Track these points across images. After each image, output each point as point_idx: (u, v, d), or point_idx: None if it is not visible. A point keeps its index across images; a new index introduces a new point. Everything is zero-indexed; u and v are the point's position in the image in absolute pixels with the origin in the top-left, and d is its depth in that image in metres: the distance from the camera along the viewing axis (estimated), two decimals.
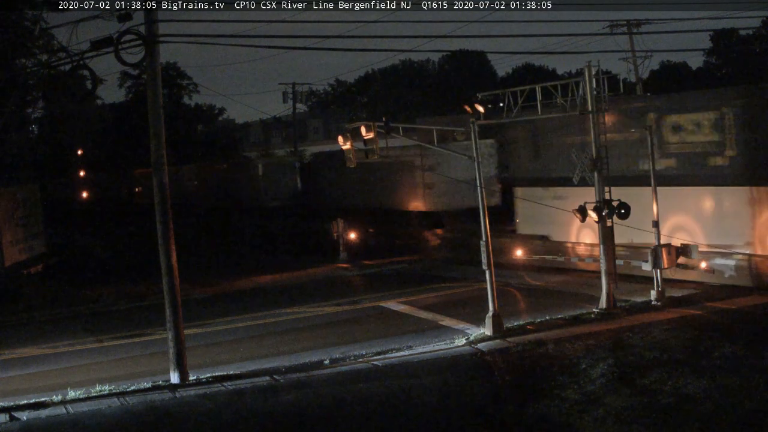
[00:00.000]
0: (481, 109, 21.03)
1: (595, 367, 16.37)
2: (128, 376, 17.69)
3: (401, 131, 22.60)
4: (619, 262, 22.96)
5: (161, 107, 17.40)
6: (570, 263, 27.58)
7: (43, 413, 15.45)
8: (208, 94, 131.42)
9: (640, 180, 23.62)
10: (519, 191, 30.99)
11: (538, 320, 20.63)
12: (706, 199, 24.16)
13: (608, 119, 22.32)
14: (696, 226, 24.36)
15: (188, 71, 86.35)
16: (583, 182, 21.77)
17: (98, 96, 64.86)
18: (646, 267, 22.16)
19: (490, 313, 19.53)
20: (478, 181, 20.16)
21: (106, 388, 16.58)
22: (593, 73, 21.44)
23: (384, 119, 21.10)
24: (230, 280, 31.06)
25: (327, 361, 18.10)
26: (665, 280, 22.10)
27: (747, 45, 64.64)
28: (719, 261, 23.16)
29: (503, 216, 32.23)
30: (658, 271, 21.69)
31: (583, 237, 27.13)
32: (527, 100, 23.01)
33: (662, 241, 22.05)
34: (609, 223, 21.31)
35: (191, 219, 49.65)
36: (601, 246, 21.37)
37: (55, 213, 49.58)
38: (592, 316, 20.75)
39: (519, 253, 29.75)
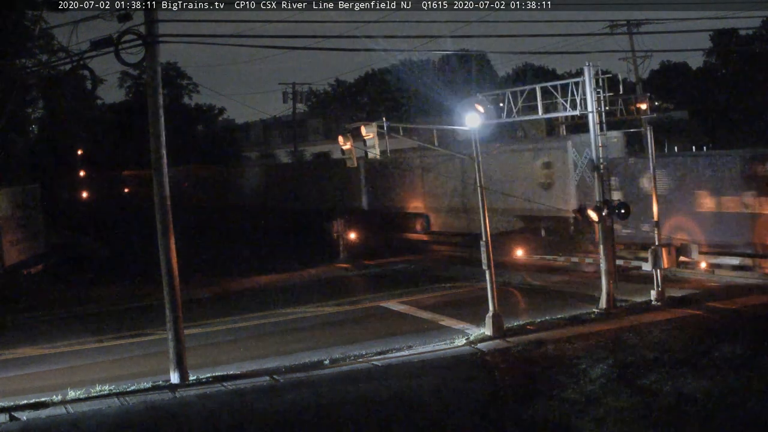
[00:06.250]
0: (481, 109, 21.02)
1: (595, 367, 16.37)
2: (128, 376, 17.68)
3: (401, 131, 22.61)
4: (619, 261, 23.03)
5: (161, 107, 17.40)
6: None
7: (43, 413, 15.44)
8: (208, 94, 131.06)
9: None
10: None
11: (538, 320, 20.63)
12: None
13: None
14: None
15: (188, 71, 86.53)
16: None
17: (98, 96, 64.86)
18: (647, 267, 22.20)
19: (490, 313, 19.53)
20: (478, 181, 20.15)
21: (106, 388, 16.57)
22: (593, 73, 21.46)
23: (384, 119, 21.09)
24: (230, 280, 31.05)
25: (327, 361, 18.10)
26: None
27: (747, 45, 64.53)
28: None
29: None
30: (658, 270, 21.69)
31: None
32: (527, 100, 23.04)
33: None
34: (609, 223, 21.34)
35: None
36: (601, 246, 21.38)
37: (55, 213, 49.55)
38: (592, 316, 20.76)
39: (519, 252, 29.79)
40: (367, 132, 20.72)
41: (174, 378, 17.13)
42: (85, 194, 73.95)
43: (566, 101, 22.21)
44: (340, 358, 18.28)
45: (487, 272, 19.70)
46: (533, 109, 23.78)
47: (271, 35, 38.66)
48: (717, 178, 25.87)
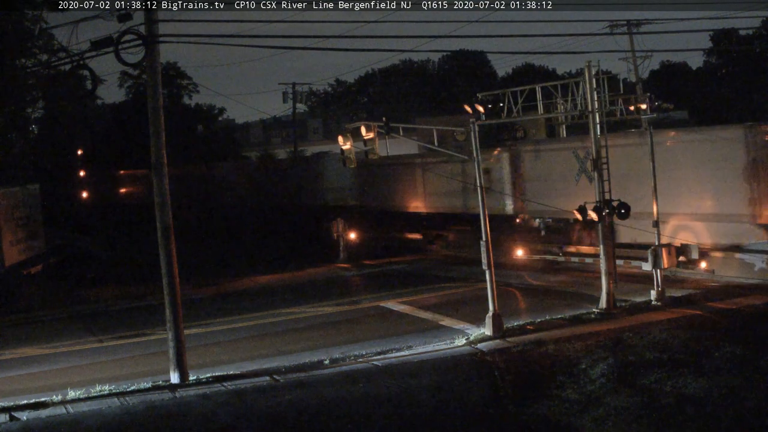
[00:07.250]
0: (481, 109, 21.04)
1: (595, 367, 16.38)
2: (128, 376, 17.69)
3: (401, 131, 22.61)
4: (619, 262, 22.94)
5: (161, 107, 17.40)
6: None
7: (43, 413, 15.45)
8: (208, 94, 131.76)
9: None
10: None
11: (538, 320, 20.63)
12: None
13: None
14: None
15: (188, 71, 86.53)
16: None
17: (98, 96, 64.80)
18: (647, 267, 22.19)
19: (490, 313, 19.53)
20: (478, 181, 20.15)
21: (106, 388, 16.58)
22: (593, 73, 21.46)
23: (384, 119, 21.09)
24: (230, 280, 31.06)
25: (327, 361, 18.10)
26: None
27: (747, 45, 64.57)
28: None
29: None
30: (658, 270, 21.69)
31: None
32: (527, 100, 23.05)
33: None
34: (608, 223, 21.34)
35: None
36: (601, 246, 21.38)
37: (55, 213, 49.53)
38: (592, 316, 20.75)
39: (519, 252, 29.78)
40: (367, 132, 20.73)
41: (174, 378, 17.13)
42: (85, 194, 73.90)
43: (566, 101, 22.22)
44: (340, 358, 18.28)
45: (487, 272, 19.69)
46: (533, 109, 23.81)
47: (271, 35, 38.57)
48: None
